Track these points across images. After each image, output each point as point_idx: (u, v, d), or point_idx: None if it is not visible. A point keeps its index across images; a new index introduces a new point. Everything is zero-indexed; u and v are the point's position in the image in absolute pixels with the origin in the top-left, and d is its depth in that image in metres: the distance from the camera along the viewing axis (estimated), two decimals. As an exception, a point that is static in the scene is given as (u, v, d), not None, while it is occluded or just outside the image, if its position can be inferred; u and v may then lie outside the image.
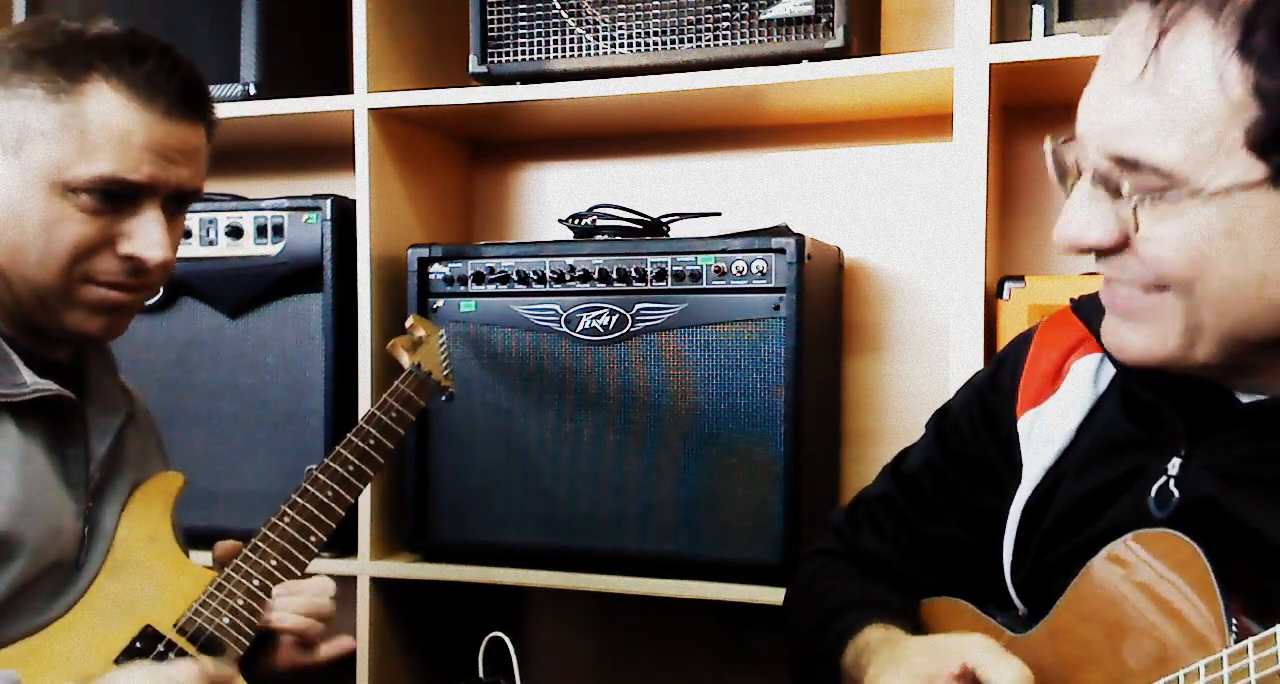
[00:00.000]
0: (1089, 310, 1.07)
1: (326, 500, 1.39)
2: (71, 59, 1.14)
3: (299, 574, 1.34)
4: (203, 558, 1.35)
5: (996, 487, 1.14)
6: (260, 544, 1.33)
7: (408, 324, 1.74)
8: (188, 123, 1.19)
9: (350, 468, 1.43)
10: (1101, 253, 0.93)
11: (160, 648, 1.21)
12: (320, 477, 1.41)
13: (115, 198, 1.15)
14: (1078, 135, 0.93)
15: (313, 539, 1.36)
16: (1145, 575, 0.91)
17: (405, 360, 1.63)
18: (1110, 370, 1.07)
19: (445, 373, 1.69)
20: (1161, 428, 0.99)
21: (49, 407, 1.18)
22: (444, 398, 1.69)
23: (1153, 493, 0.97)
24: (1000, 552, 1.11)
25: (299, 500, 1.38)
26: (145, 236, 1.17)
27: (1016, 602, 1.10)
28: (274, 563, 1.32)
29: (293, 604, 1.30)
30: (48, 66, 1.14)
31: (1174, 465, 0.97)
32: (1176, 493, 0.95)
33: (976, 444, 1.17)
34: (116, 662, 1.18)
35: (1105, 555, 0.95)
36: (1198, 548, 0.87)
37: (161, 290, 1.96)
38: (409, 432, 1.59)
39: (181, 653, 1.21)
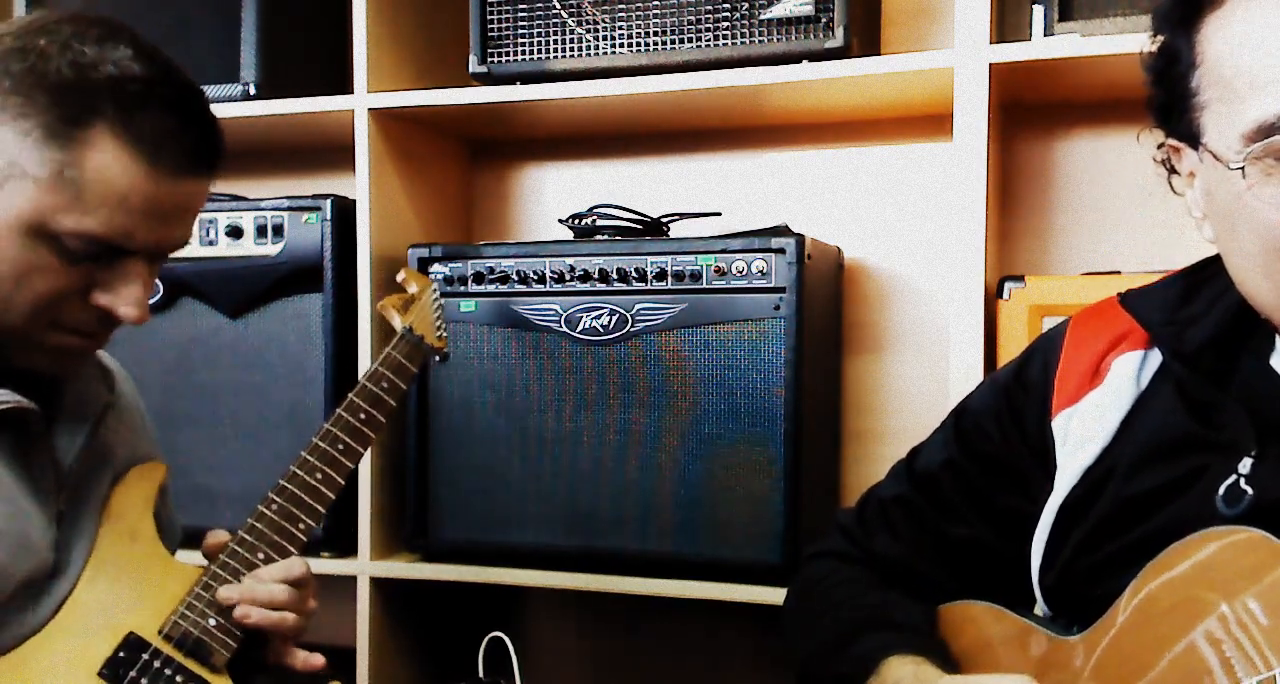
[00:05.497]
0: (1144, 306, 1.05)
1: (315, 483, 1.31)
2: (80, 98, 1.03)
3: None
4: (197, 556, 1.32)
5: (1025, 487, 1.11)
6: (247, 536, 1.26)
7: (399, 278, 1.65)
8: (194, 179, 1.10)
9: (340, 446, 1.34)
10: None
11: (145, 656, 1.16)
12: (308, 458, 1.32)
13: (97, 254, 1.06)
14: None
15: (301, 526, 1.28)
16: (1224, 572, 0.87)
17: (397, 322, 1.54)
18: (1153, 367, 1.04)
19: (438, 333, 1.58)
20: (1224, 427, 0.97)
21: (12, 416, 1.09)
22: (437, 359, 1.60)
23: (1221, 491, 0.94)
24: (1027, 553, 1.08)
25: (286, 486, 1.30)
26: (126, 293, 1.09)
27: (1041, 604, 1.08)
28: (261, 556, 1.25)
29: (257, 598, 1.22)
30: (51, 102, 1.02)
31: (1245, 465, 0.94)
32: (1250, 491, 0.93)
33: (1004, 443, 1.13)
34: (100, 674, 1.14)
35: (1173, 551, 0.91)
36: None
37: (162, 289, 1.96)
38: (402, 402, 1.49)
39: (167, 660, 1.17)
